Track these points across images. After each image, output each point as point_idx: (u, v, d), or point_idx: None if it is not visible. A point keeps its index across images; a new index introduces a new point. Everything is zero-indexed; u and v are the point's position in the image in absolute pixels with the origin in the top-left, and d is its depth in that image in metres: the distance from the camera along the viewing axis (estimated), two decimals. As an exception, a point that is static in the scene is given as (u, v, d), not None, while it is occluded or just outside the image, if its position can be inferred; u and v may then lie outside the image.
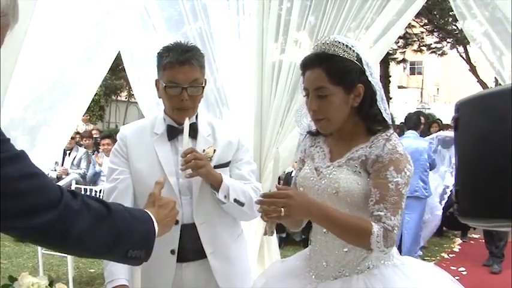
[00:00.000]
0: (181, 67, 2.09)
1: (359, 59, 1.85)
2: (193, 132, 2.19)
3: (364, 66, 1.86)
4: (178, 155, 2.14)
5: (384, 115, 1.89)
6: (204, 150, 2.13)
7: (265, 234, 1.87)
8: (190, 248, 2.15)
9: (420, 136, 6.63)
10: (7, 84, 2.28)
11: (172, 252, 2.13)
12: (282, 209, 1.72)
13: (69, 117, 2.97)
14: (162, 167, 2.14)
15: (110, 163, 2.27)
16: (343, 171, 1.87)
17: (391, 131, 1.88)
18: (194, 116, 2.22)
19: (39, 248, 5.38)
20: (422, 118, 7.45)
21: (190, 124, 2.15)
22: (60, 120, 2.87)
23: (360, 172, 1.85)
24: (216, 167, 2.16)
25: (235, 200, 2.13)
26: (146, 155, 2.18)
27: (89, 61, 2.87)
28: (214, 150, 2.16)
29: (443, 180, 8.23)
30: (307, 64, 1.89)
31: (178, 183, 2.15)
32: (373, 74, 1.88)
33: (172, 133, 2.20)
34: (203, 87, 2.16)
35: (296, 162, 2.22)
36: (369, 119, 1.88)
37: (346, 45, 1.85)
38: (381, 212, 1.78)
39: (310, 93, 1.88)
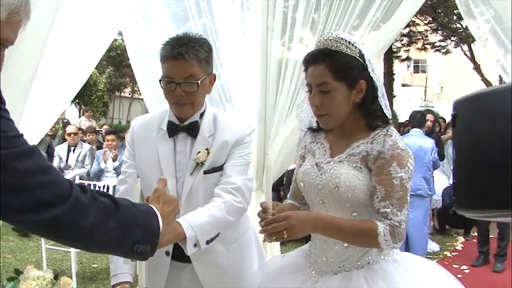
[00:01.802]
0: (175, 61, 1.99)
1: (361, 56, 1.87)
2: (194, 131, 2.11)
3: (367, 63, 1.87)
4: (176, 155, 2.10)
5: (385, 111, 1.90)
6: (199, 152, 2.07)
7: (264, 240, 1.88)
8: (183, 251, 2.06)
9: (425, 135, 6.60)
10: (30, 82, 2.30)
11: (167, 253, 2.11)
12: (285, 231, 1.76)
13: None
14: (161, 167, 2.08)
15: (124, 155, 2.26)
16: (344, 167, 1.88)
17: (391, 126, 1.89)
18: (198, 114, 2.12)
19: (43, 242, 5.41)
20: (431, 116, 7.43)
21: (191, 122, 2.10)
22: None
23: (360, 168, 1.87)
24: (207, 171, 2.07)
25: (208, 242, 1.95)
26: (149, 152, 2.13)
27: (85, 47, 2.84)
28: (208, 153, 2.07)
29: (449, 179, 8.24)
30: (310, 60, 1.90)
31: (177, 185, 2.09)
32: (375, 71, 1.90)
33: (172, 130, 2.12)
34: (198, 84, 2.01)
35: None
36: (369, 115, 1.90)
37: (349, 42, 1.86)
38: (387, 208, 1.80)
39: (313, 89, 1.89)
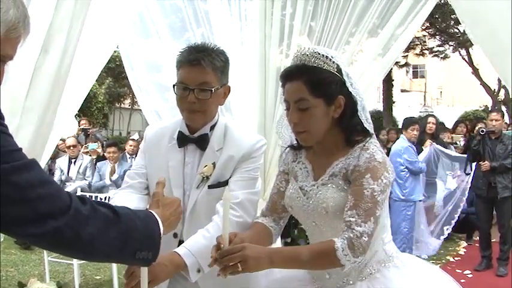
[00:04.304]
0: (190, 67, 1.98)
1: (339, 70, 1.83)
2: (203, 144, 2.08)
3: (344, 77, 1.83)
4: (185, 166, 2.09)
5: (365, 125, 1.86)
6: (205, 166, 2.04)
7: (218, 275, 1.72)
8: None
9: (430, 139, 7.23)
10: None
11: None
12: (239, 264, 1.66)
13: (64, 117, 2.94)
14: (169, 178, 2.04)
15: (135, 160, 2.24)
16: (329, 190, 1.84)
17: (370, 139, 1.85)
18: (208, 126, 2.09)
19: (45, 255, 5.41)
20: (432, 119, 8.02)
21: (201, 135, 2.08)
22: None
23: (345, 188, 1.83)
24: (211, 186, 2.04)
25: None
26: (159, 162, 2.11)
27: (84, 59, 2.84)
28: (214, 167, 2.04)
29: (445, 183, 8.21)
30: (287, 76, 1.87)
31: (184, 197, 2.06)
32: (354, 85, 1.86)
33: (182, 141, 2.10)
34: (211, 91, 2.00)
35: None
36: (348, 130, 1.86)
37: (326, 57, 1.82)
38: (352, 218, 1.73)
39: (290, 106, 1.85)
